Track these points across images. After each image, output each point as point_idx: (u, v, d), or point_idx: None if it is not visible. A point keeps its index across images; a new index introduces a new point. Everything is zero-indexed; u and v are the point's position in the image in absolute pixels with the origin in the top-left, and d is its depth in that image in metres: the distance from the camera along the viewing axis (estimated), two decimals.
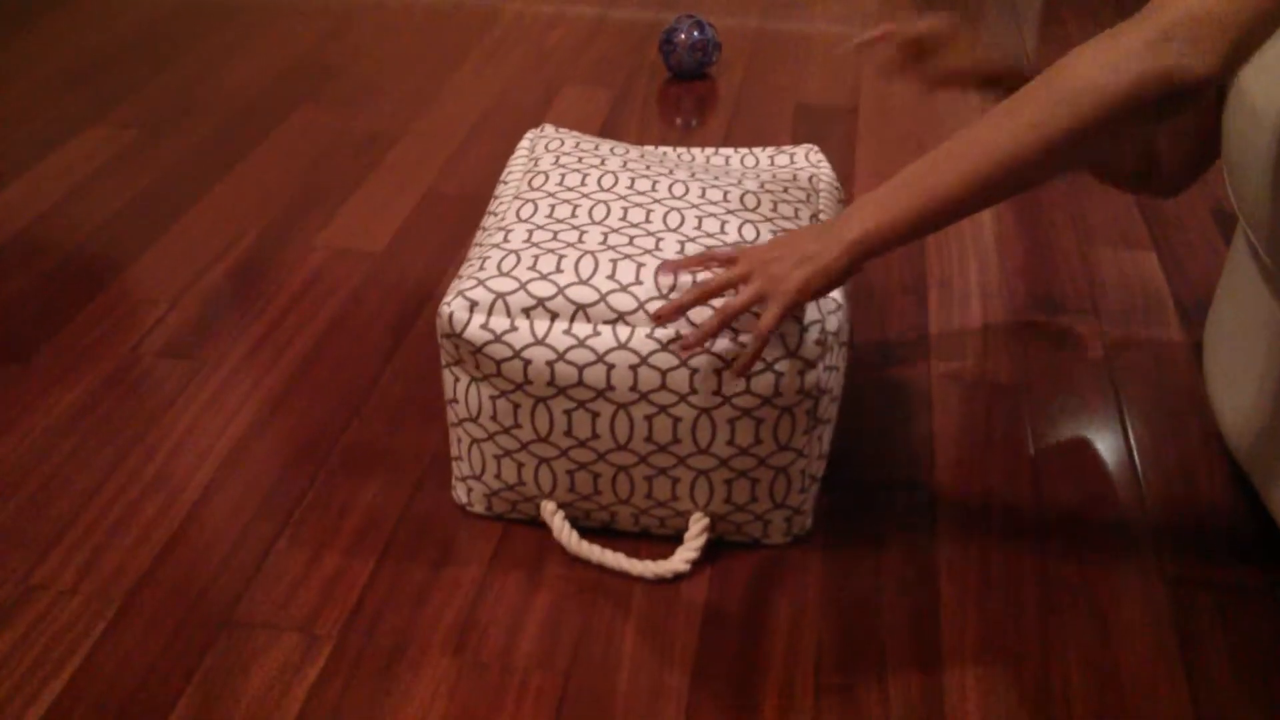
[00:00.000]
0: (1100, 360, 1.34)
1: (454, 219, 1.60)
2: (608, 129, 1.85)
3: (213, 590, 1.03)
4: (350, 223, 1.59)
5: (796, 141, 1.82)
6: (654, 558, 1.07)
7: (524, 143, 1.23)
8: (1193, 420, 1.25)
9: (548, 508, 1.06)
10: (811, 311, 0.96)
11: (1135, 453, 1.20)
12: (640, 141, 1.81)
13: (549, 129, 1.24)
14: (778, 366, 0.95)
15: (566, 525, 1.06)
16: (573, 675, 0.96)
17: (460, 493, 1.10)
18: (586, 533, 1.09)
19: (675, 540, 1.09)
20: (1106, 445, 1.21)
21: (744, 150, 1.25)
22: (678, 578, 1.05)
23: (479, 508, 1.10)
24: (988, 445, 1.21)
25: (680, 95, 1.97)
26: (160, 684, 0.94)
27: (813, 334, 0.95)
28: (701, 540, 1.04)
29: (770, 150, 1.25)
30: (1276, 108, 0.95)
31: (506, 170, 1.19)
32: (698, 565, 1.06)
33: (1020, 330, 1.39)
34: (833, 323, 0.97)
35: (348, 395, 1.27)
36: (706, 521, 1.05)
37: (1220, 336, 1.15)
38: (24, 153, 1.76)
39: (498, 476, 1.06)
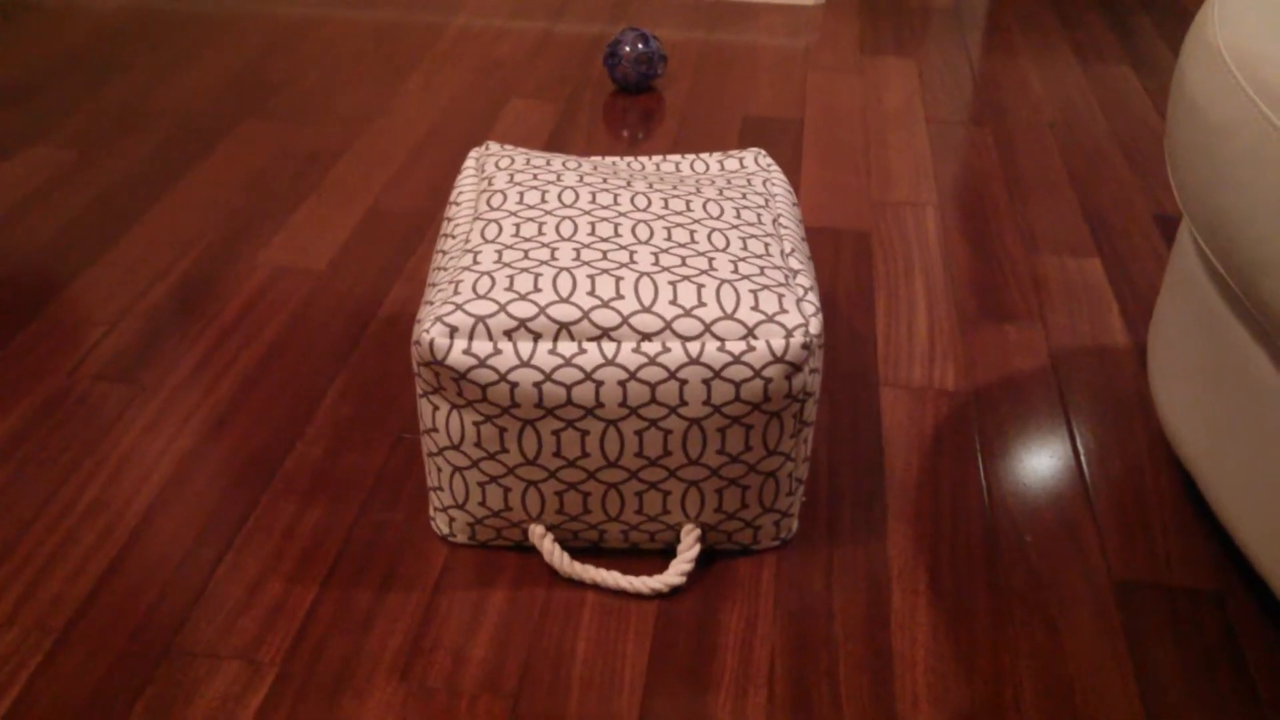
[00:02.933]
0: (1046, 366, 1.34)
1: (398, 236, 1.58)
2: (554, 142, 1.84)
3: (153, 618, 1.01)
4: (293, 240, 1.57)
5: None
6: (644, 573, 1.06)
7: (469, 162, 1.21)
8: (1139, 424, 1.26)
9: (535, 531, 1.05)
10: (794, 316, 0.96)
11: (1083, 458, 1.21)
12: (587, 155, 1.80)
13: (494, 146, 1.22)
14: (766, 373, 0.95)
15: (557, 548, 1.04)
16: (521, 698, 0.94)
17: (441, 524, 1.08)
18: (574, 553, 1.09)
19: (663, 555, 1.08)
20: (1054, 451, 1.21)
21: (692, 156, 1.25)
22: (674, 591, 1.04)
23: (461, 537, 1.08)
24: (936, 453, 1.21)
25: (626, 108, 1.97)
26: (100, 716, 0.92)
27: (797, 338, 0.95)
28: (694, 551, 1.04)
29: (719, 155, 1.25)
30: (1217, 104, 0.95)
31: (456, 191, 1.16)
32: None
33: (967, 338, 1.39)
34: (815, 325, 0.97)
35: (291, 416, 1.25)
36: (699, 533, 1.04)
37: (1164, 340, 1.16)
38: None
39: (482, 504, 1.04)
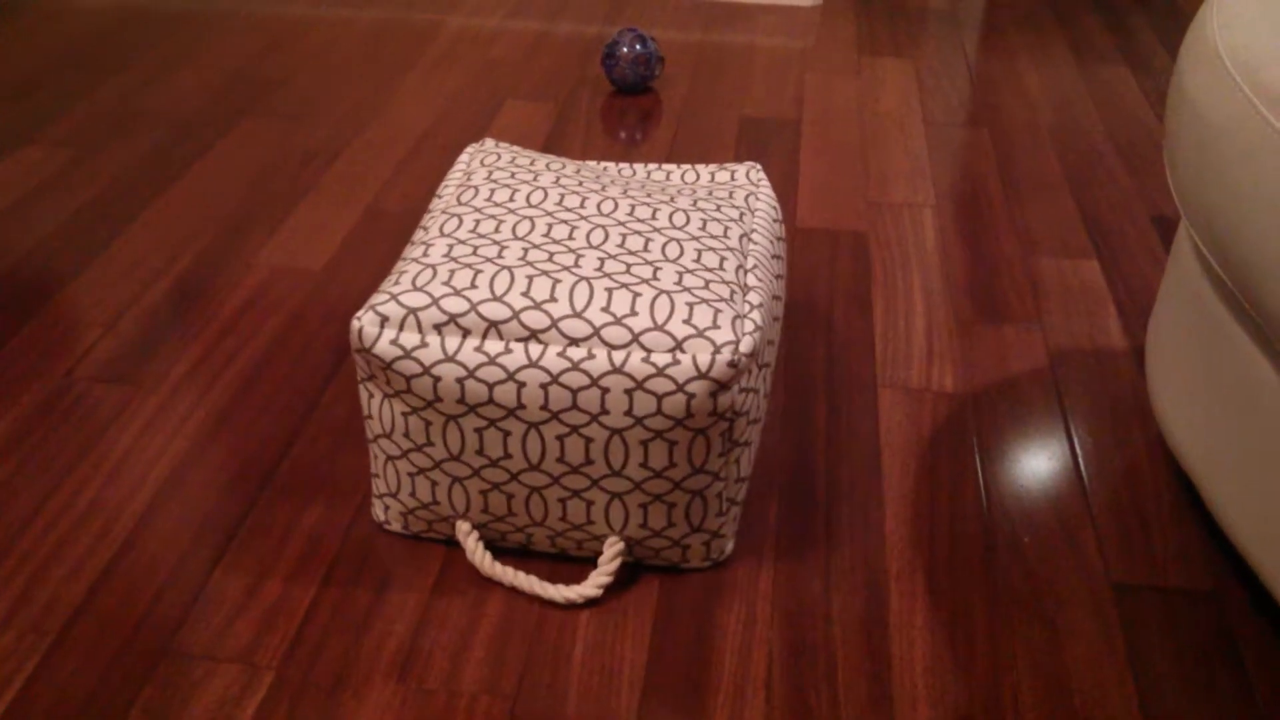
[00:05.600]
0: (1044, 368, 1.34)
1: (395, 236, 1.58)
2: (551, 144, 1.84)
3: (150, 621, 1.00)
4: (291, 240, 1.57)
5: (740, 153, 1.82)
6: (574, 579, 1.06)
7: (463, 157, 1.21)
8: (1136, 425, 1.26)
9: (462, 528, 1.05)
10: (726, 333, 0.95)
11: (1080, 459, 1.21)
12: (584, 156, 1.80)
13: (489, 143, 1.23)
14: (689, 388, 0.94)
15: (480, 546, 1.04)
16: (520, 699, 0.94)
17: (378, 510, 1.09)
18: (505, 554, 1.08)
19: (594, 562, 1.08)
20: (1051, 452, 1.21)
21: (686, 166, 1.25)
22: (590, 602, 1.03)
23: (396, 526, 1.09)
24: (934, 455, 1.21)
25: (624, 109, 1.97)
26: (97, 718, 0.92)
27: (725, 355, 0.94)
28: (615, 564, 1.02)
29: (712, 167, 1.24)
30: (1216, 105, 0.95)
31: (443, 185, 1.17)
32: (645, 583, 1.05)
33: (964, 339, 1.39)
34: (748, 344, 0.95)
35: (288, 417, 1.25)
36: (621, 546, 1.03)
37: (1162, 341, 1.16)
38: None
39: (412, 495, 1.05)
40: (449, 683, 0.95)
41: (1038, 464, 1.20)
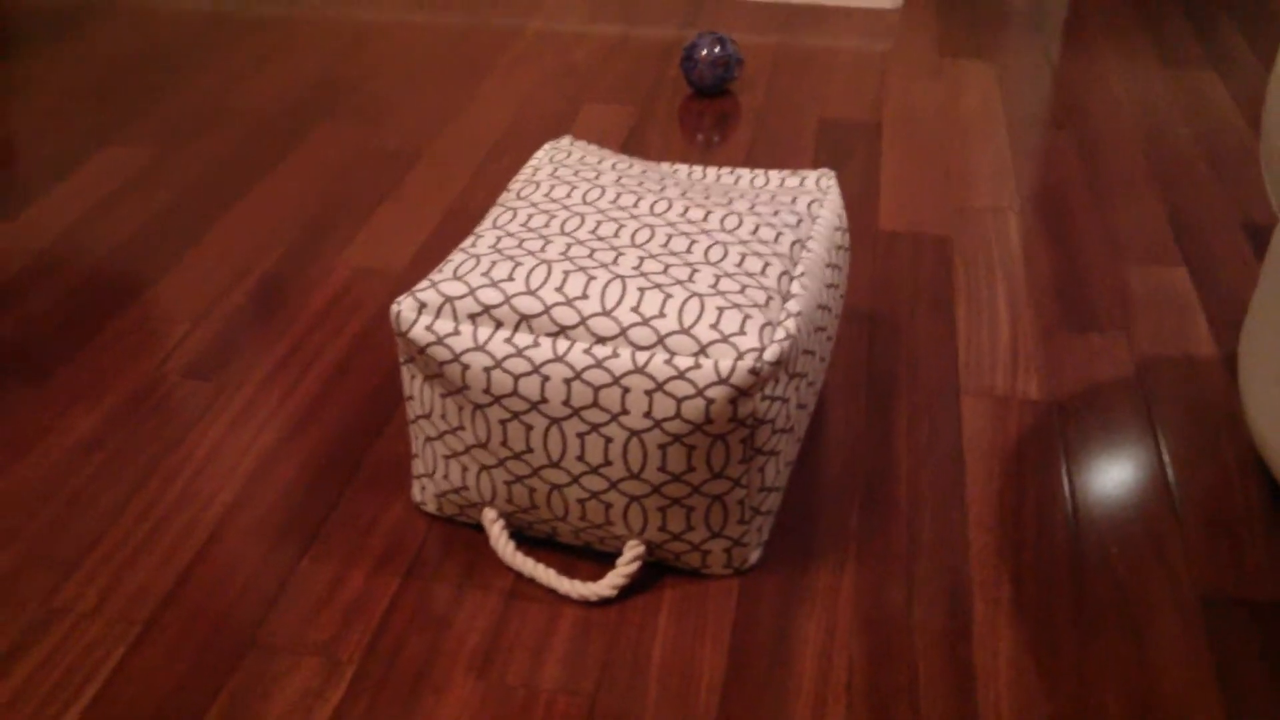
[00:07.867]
0: (1132, 377, 1.32)
1: None
2: (630, 145, 1.84)
3: (236, 612, 1.02)
4: (373, 241, 1.59)
5: (819, 156, 1.80)
6: (600, 572, 1.07)
7: (539, 153, 1.22)
8: (1226, 436, 1.23)
9: (488, 515, 1.06)
10: (752, 339, 0.94)
11: (1169, 469, 1.18)
12: (662, 158, 1.80)
13: (565, 141, 1.23)
14: (709, 393, 0.93)
15: (504, 535, 1.05)
16: (599, 698, 0.94)
17: (416, 490, 1.11)
18: (532, 543, 1.09)
19: (617, 556, 1.08)
20: (1139, 462, 1.19)
21: (758, 172, 1.24)
22: (604, 601, 1.03)
23: (431, 507, 1.11)
24: (1019, 462, 1.19)
25: (702, 111, 1.96)
26: (182, 708, 0.93)
27: (747, 362, 0.93)
28: (633, 567, 1.02)
29: (785, 173, 1.23)
30: None
31: (514, 179, 1.19)
32: (725, 586, 1.05)
33: (1050, 347, 1.37)
34: (774, 352, 0.94)
35: (372, 413, 1.26)
36: (640, 549, 1.02)
37: (1256, 350, 1.13)
38: (46, 171, 1.77)
39: (445, 477, 1.06)
40: (529, 680, 0.96)
41: (1125, 473, 1.18)
